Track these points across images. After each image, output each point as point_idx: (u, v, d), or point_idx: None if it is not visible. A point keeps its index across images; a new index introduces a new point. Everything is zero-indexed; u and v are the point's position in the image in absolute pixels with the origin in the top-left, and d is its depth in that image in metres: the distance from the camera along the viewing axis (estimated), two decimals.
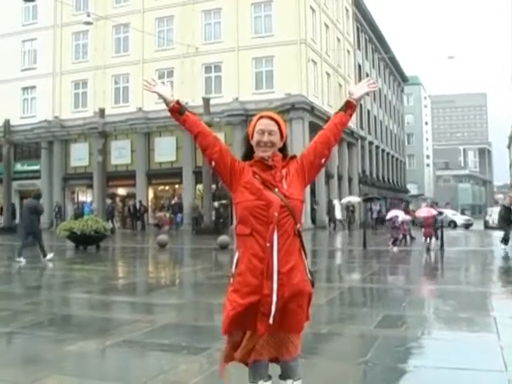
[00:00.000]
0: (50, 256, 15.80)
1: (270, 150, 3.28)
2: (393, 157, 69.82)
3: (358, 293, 10.41)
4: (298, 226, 3.23)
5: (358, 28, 54.80)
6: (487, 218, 43.51)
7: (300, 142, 34.56)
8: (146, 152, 39.70)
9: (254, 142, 3.31)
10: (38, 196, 16.92)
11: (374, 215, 38.57)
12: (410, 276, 13.38)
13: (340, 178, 44.45)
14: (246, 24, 37.68)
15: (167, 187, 41.61)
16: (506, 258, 16.57)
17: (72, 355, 5.58)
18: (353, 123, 48.68)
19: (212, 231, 28.93)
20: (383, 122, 64.80)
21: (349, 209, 37.24)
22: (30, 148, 44.27)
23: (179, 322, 7.38)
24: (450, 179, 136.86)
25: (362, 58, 55.64)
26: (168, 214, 38.03)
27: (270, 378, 3.38)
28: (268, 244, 3.11)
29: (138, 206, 38.01)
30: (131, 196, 40.28)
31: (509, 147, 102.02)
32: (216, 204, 31.26)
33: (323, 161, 3.39)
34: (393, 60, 69.66)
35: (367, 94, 3.62)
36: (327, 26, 43.36)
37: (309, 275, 3.29)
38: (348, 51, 50.03)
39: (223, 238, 19.60)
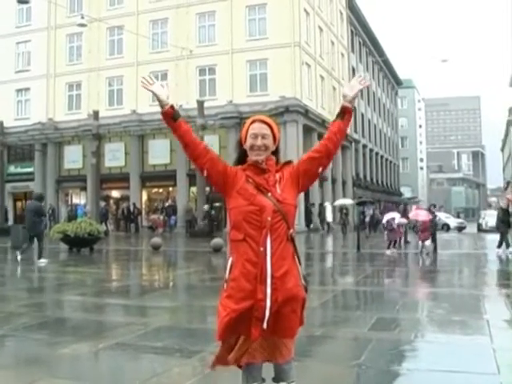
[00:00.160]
0: (44, 261, 15.73)
1: (264, 154, 3.28)
2: (386, 160, 69.97)
3: (351, 295, 10.41)
4: (291, 231, 3.23)
5: (351, 31, 54.94)
6: (480, 220, 43.56)
7: (294, 145, 34.69)
8: (140, 154, 39.68)
9: (247, 146, 3.31)
10: (40, 198, 16.99)
11: (367, 219, 38.51)
12: (404, 279, 13.39)
13: (334, 181, 44.51)
14: (241, 27, 37.73)
15: (161, 190, 41.59)
16: (502, 261, 16.59)
17: (65, 358, 5.57)
18: None
19: (206, 234, 28.92)
20: (377, 125, 64.94)
21: (342, 211, 37.26)
22: (23, 150, 44.17)
23: (172, 324, 7.38)
24: (443, 182, 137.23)
25: (355, 61, 55.78)
26: (162, 217, 37.97)
27: (263, 380, 3.38)
28: (261, 248, 3.12)
29: (131, 208, 37.97)
30: (125, 198, 40.25)
31: (502, 150, 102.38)
32: (206, 207, 31.20)
33: (320, 169, 3.37)
34: (387, 63, 69.82)
35: (361, 91, 3.58)
36: (321, 29, 43.47)
37: (302, 280, 3.29)
38: (342, 54, 50.15)
39: (217, 241, 19.58)
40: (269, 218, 3.13)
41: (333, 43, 46.83)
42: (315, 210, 38.27)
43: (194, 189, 36.25)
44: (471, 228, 44.33)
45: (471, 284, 12.08)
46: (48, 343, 6.17)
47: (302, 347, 5.27)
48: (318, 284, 11.69)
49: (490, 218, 40.88)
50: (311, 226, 37.36)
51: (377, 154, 63.52)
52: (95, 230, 20.25)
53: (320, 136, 39.73)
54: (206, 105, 32.63)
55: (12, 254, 19.85)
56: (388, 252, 18.65)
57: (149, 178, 39.92)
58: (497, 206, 28.73)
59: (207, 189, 31.58)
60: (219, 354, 3.34)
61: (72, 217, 34.17)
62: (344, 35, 51.46)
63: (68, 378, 4.96)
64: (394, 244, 19.28)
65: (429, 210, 20.80)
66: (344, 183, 47.96)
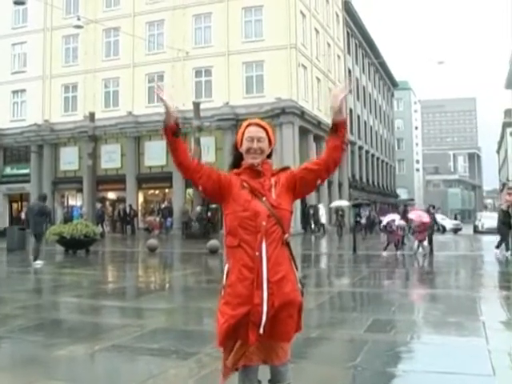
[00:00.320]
0: (40, 262, 15.70)
1: (260, 157, 3.30)
2: (383, 162, 70.05)
3: (347, 297, 10.42)
4: (286, 236, 3.24)
5: (348, 33, 55.02)
6: (476, 222, 43.64)
7: (290, 146, 34.72)
8: (136, 156, 39.65)
9: (243, 150, 3.33)
10: (43, 198, 17.01)
11: (363, 220, 38.59)
12: (400, 280, 13.40)
13: (330, 183, 44.51)
14: (237, 28, 37.75)
15: (157, 191, 41.54)
16: (499, 262, 16.60)
17: (61, 360, 5.57)
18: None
19: (202, 235, 28.92)
20: (373, 127, 65.02)
21: (338, 213, 37.28)
22: (19, 151, 44.08)
23: (169, 326, 7.37)
24: (439, 184, 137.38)
25: (352, 62, 55.84)
26: (158, 219, 37.98)
27: (259, 383, 3.37)
28: (257, 253, 3.12)
29: (127, 210, 37.91)
30: (121, 200, 40.21)
31: (498, 152, 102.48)
32: (198, 208, 31.22)
33: (319, 182, 3.38)
34: (383, 65, 69.97)
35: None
36: (317, 31, 43.51)
37: (299, 285, 3.30)
38: (338, 56, 50.21)
39: (213, 243, 19.57)
40: (263, 223, 3.14)
41: (329, 45, 46.89)
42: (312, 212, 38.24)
43: (190, 190, 36.24)
44: (467, 230, 44.40)
45: (467, 285, 12.11)
46: (44, 345, 6.16)
47: (298, 349, 5.26)
48: (314, 286, 11.70)
49: (486, 219, 40.99)
50: (312, 228, 37.24)
51: (373, 155, 63.60)
52: (91, 232, 20.23)
53: (316, 138, 39.85)
54: (202, 106, 32.62)
55: (8, 256, 19.90)
56: (384, 253, 18.67)
57: (145, 180, 39.88)
58: (498, 208, 28.67)
59: None
60: (224, 363, 3.32)
61: (68, 218, 34.12)
62: (340, 37, 51.52)
63: (64, 379, 4.96)
64: (395, 246, 19.26)
65: (428, 211, 20.80)
66: (340, 185, 47.97)
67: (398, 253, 18.77)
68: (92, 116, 33.96)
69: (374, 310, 8.80)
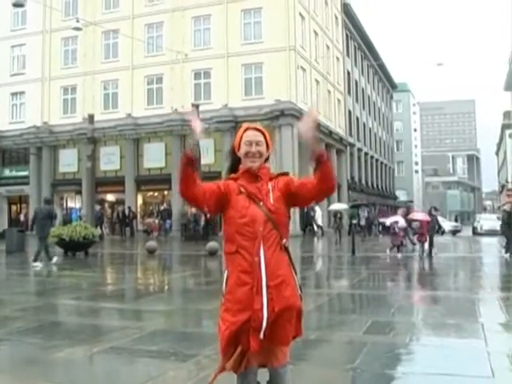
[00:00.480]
0: (39, 264, 15.71)
1: (258, 161, 3.32)
2: (382, 163, 70.05)
3: (346, 299, 10.42)
4: (284, 240, 3.24)
5: (347, 35, 55.03)
6: (475, 224, 43.61)
7: (289, 148, 34.73)
8: (135, 158, 39.61)
9: (241, 154, 3.34)
10: (49, 201, 17.09)
11: (362, 222, 38.51)
12: (399, 282, 13.41)
13: None
14: (236, 30, 37.75)
15: (156, 193, 41.52)
16: (500, 264, 16.59)
17: (60, 362, 5.56)
18: (342, 130, 48.89)
19: (201, 237, 28.89)
20: (372, 129, 65.03)
21: (337, 216, 37.21)
22: (18, 153, 44.05)
23: (168, 328, 7.37)
24: (438, 186, 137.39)
25: (351, 65, 55.86)
26: (157, 221, 37.94)
27: None
28: (256, 258, 3.13)
29: (126, 212, 37.91)
30: (120, 202, 40.18)
31: (497, 154, 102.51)
32: (194, 209, 31.20)
33: (313, 202, 3.41)
34: (382, 67, 69.97)
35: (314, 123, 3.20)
36: (316, 33, 43.53)
37: (299, 290, 3.30)
38: (337, 58, 50.23)
39: (212, 245, 19.56)
40: (260, 229, 3.15)
41: (328, 47, 46.90)
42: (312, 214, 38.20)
43: None
44: (466, 231, 44.39)
45: (466, 287, 12.11)
46: (43, 347, 6.16)
47: (297, 351, 5.26)
48: (313, 287, 11.71)
49: (484, 221, 41.01)
50: (314, 229, 37.16)
51: (372, 157, 63.60)
52: (90, 234, 20.23)
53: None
54: (201, 108, 32.53)
55: (7, 258, 19.91)
56: (388, 252, 19.16)
57: (144, 182, 39.84)
58: (501, 210, 28.63)
59: None
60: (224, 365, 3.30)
61: (67, 220, 34.09)
62: (339, 39, 51.55)
63: (63, 382, 4.96)
64: (398, 248, 19.30)
65: (430, 213, 20.78)
66: (339, 187, 47.87)
67: (399, 254, 18.80)
68: (91, 118, 33.86)
69: (373, 311, 8.80)
